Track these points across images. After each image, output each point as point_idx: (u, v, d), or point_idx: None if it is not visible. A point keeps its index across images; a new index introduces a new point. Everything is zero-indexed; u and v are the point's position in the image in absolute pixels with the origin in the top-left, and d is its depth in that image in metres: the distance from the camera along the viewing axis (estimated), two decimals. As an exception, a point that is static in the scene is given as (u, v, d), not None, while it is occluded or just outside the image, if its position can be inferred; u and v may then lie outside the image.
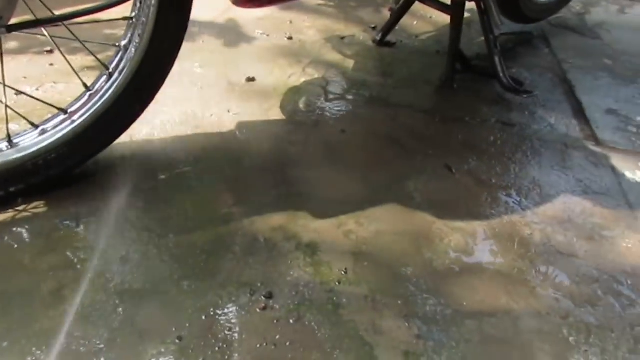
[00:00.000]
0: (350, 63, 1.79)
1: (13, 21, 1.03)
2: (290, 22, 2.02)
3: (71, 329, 0.93)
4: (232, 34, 1.88)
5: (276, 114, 1.52)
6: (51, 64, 1.62)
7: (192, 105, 1.50)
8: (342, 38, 1.93)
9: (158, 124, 1.41)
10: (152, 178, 1.25)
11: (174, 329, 0.95)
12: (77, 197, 1.17)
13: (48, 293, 0.99)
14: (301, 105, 1.57)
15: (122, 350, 0.90)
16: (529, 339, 0.98)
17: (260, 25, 1.95)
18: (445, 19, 1.75)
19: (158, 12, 1.09)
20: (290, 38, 1.90)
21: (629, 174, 1.38)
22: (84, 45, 1.14)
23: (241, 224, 1.17)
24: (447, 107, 1.61)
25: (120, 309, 0.97)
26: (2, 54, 1.05)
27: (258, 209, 1.20)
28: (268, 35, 1.91)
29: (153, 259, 1.06)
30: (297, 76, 1.69)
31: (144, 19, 1.11)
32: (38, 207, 1.14)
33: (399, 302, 1.03)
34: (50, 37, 1.14)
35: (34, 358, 0.88)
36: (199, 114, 1.47)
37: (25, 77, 1.54)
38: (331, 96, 1.61)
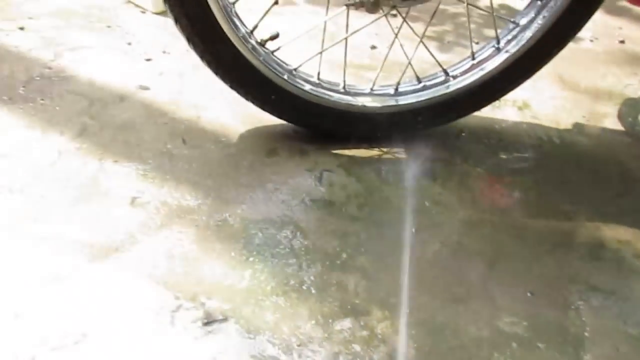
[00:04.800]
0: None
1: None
2: (620, 28, 1.89)
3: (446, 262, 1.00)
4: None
5: (612, 123, 1.45)
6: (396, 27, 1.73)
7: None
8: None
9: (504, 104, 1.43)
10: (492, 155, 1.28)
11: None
12: (431, 155, 1.25)
13: (410, 231, 1.07)
14: (640, 120, 1.47)
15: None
16: None
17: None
18: None
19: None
20: (622, 42, 1.79)
21: None
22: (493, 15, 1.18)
23: (584, 225, 1.14)
24: None
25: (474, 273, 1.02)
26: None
27: (601, 216, 1.17)
28: (597, 39, 1.82)
29: (499, 233, 1.09)
30: (635, 87, 1.58)
31: (553, 3, 1.11)
32: (398, 153, 1.25)
33: None
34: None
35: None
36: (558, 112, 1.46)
37: (376, 34, 1.66)
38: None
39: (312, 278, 0.96)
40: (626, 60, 1.72)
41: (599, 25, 1.86)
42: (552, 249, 1.08)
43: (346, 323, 0.90)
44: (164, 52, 1.50)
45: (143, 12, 1.67)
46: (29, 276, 0.90)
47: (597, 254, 1.09)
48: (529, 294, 0.99)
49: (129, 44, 1.52)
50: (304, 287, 0.94)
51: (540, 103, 1.48)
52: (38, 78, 1.34)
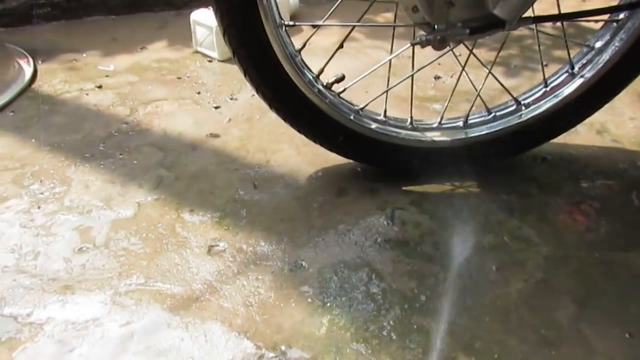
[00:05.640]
0: None
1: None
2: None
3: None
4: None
5: None
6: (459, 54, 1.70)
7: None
8: None
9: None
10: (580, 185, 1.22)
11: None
12: (507, 187, 1.20)
13: (490, 269, 1.03)
14: None
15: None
16: None
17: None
18: None
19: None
20: None
21: None
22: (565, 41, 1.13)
23: (682, 256, 1.06)
24: None
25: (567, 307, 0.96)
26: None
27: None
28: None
29: (588, 269, 1.03)
30: None
31: (630, 24, 1.06)
32: (471, 187, 1.21)
33: None
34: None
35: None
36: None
37: (439, 64, 1.64)
38: None
39: (391, 323, 0.94)
40: None
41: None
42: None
43: (431, 371, 0.87)
44: (232, 98, 1.55)
45: (210, 61, 1.74)
46: (115, 330, 0.93)
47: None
48: (627, 336, 0.92)
49: (198, 93, 1.57)
50: (384, 333, 0.92)
51: (620, 125, 1.41)
52: (116, 134, 1.41)
